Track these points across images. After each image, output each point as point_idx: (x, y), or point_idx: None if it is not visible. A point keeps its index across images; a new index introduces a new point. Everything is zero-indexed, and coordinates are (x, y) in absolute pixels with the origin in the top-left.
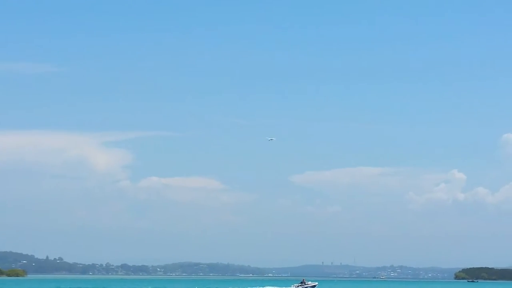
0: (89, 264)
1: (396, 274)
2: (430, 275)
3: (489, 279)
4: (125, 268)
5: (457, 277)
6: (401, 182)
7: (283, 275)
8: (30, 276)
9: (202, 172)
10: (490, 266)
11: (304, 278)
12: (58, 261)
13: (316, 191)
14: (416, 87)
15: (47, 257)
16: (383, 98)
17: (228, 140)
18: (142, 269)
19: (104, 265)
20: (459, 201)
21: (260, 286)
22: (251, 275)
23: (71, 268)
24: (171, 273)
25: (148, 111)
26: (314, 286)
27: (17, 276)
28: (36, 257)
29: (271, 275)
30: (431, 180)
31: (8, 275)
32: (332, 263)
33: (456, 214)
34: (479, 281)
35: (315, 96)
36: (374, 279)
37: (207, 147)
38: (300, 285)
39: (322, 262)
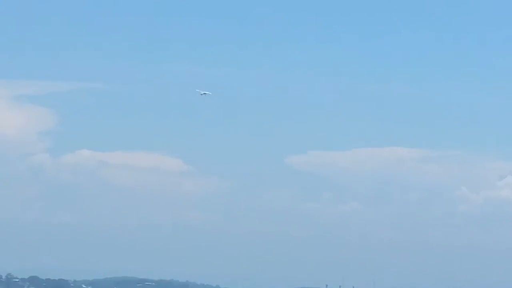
0: None
1: None
2: None
3: None
4: (34, 282)
5: None
6: (450, 172)
7: None
8: None
9: (156, 145)
10: None
11: None
12: None
13: (324, 179)
14: (482, 42)
15: None
16: (426, 52)
17: (196, 101)
18: (60, 284)
19: (3, 278)
20: None
21: None
22: None
23: None
24: None
25: (80, 54)
26: None
27: None
28: None
29: None
30: (494, 170)
31: None
32: (340, 287)
33: None
34: None
35: (322, 48)
36: None
37: (164, 110)
38: None
39: (326, 286)
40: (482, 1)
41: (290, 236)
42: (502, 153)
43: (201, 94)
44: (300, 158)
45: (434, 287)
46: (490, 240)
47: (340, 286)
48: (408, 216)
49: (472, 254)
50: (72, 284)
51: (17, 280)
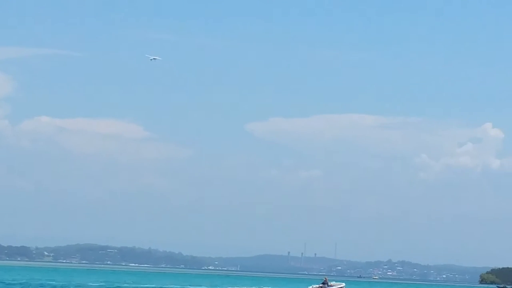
0: None
1: (395, 273)
2: (444, 276)
3: None
4: None
5: (483, 280)
6: (410, 139)
7: (231, 269)
8: None
9: (115, 112)
10: None
11: (326, 277)
12: None
13: (284, 147)
14: (439, 13)
15: None
16: (385, 17)
17: (154, 66)
18: (22, 252)
19: None
20: (493, 169)
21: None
22: (182, 266)
23: None
24: (64, 259)
25: (37, 20)
26: None
27: None
28: None
29: (212, 267)
30: (453, 137)
31: None
32: (302, 254)
33: (487, 188)
34: None
35: (281, 16)
36: (361, 279)
37: (123, 74)
38: (322, 287)
39: (288, 252)
40: None
41: (251, 203)
42: (462, 120)
43: (151, 59)
44: (261, 125)
45: (394, 254)
46: (449, 209)
47: (302, 253)
48: (369, 183)
49: (430, 223)
50: (34, 251)
51: None
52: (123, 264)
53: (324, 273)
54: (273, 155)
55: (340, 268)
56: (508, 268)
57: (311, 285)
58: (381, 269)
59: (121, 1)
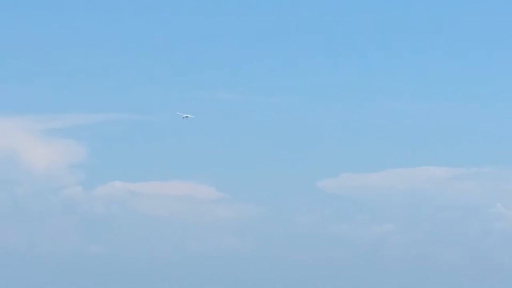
0: None
1: None
2: None
3: None
4: None
5: None
6: (485, 189)
7: None
8: None
9: (188, 174)
10: None
11: None
12: None
13: (356, 202)
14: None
15: None
16: (454, 67)
17: (227, 126)
18: None
19: None
20: None
21: None
22: None
23: None
24: None
25: (109, 85)
26: None
27: None
28: None
29: None
30: None
31: None
32: None
33: None
34: None
35: (348, 68)
36: None
37: (195, 138)
38: None
39: None
40: None
41: (325, 260)
42: None
43: (183, 117)
44: (333, 182)
45: None
46: None
47: None
48: (444, 235)
49: (508, 271)
50: None
51: None
52: None
53: None
54: (345, 211)
55: None
56: None
57: None
58: None
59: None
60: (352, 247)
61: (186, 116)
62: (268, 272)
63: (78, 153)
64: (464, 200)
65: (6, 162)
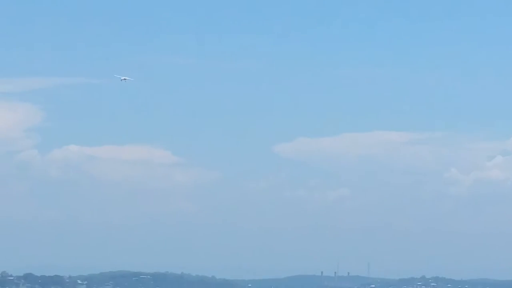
0: None
1: None
2: None
3: None
4: (30, 279)
5: None
6: (439, 154)
7: None
8: None
9: (144, 138)
10: None
11: None
12: None
13: (312, 166)
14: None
15: None
16: (409, 34)
17: (183, 92)
18: (55, 281)
19: None
20: None
21: None
22: None
23: None
24: (98, 287)
25: (66, 49)
26: None
27: None
28: None
29: None
30: (482, 150)
31: None
32: (336, 273)
33: None
34: None
35: (304, 35)
36: None
37: (151, 102)
38: None
39: (322, 272)
40: None
41: (282, 225)
42: (491, 133)
43: (121, 79)
44: (288, 146)
45: (427, 270)
46: (481, 223)
47: (335, 272)
48: (399, 199)
49: (462, 237)
50: (67, 280)
51: (12, 278)
52: None
53: None
54: (300, 176)
55: (373, 286)
56: None
57: None
58: (415, 285)
59: (143, 25)
60: (309, 212)
61: (124, 79)
62: (223, 237)
63: (34, 117)
64: (418, 165)
65: None
